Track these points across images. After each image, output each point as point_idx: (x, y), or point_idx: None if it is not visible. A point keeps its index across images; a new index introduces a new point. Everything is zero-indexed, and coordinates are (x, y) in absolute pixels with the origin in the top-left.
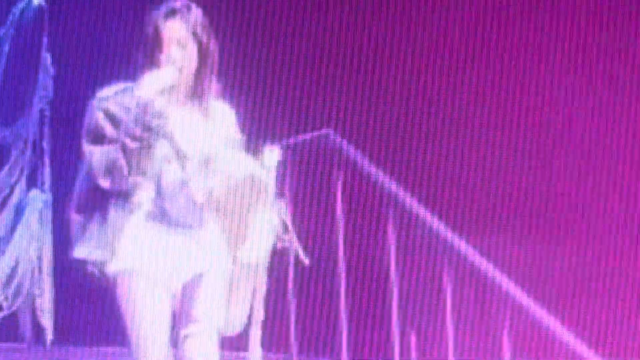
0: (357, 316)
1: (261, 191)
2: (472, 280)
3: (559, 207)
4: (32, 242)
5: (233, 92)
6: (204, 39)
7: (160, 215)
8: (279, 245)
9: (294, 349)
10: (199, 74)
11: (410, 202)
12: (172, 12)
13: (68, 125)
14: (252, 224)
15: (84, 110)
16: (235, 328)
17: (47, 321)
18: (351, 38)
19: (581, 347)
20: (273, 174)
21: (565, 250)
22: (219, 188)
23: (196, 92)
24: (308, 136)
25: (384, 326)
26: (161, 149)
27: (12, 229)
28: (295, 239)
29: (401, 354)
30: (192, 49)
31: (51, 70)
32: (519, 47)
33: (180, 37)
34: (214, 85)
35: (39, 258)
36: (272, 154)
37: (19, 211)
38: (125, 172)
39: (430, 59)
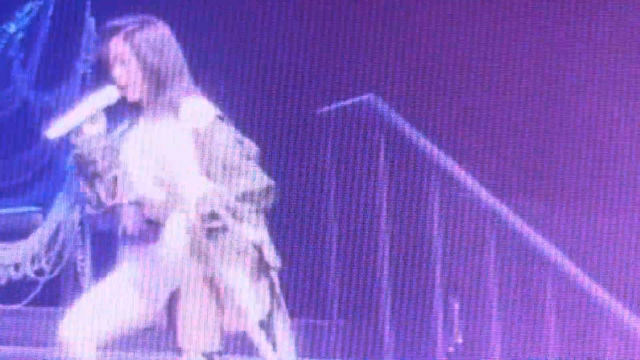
0: (399, 282)
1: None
2: (516, 245)
3: (609, 174)
4: (74, 207)
5: (273, 58)
6: (149, 57)
7: (128, 235)
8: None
9: (334, 313)
10: (155, 89)
11: (453, 167)
12: (114, 29)
13: None
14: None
15: None
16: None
17: (88, 285)
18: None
19: (625, 314)
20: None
21: (616, 222)
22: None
23: (164, 106)
24: (349, 102)
25: (427, 293)
26: (121, 173)
27: (54, 193)
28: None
29: (444, 322)
30: (136, 66)
31: (95, 34)
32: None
33: (120, 55)
34: (179, 96)
35: (81, 223)
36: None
37: (60, 176)
38: (93, 201)
39: (476, 20)
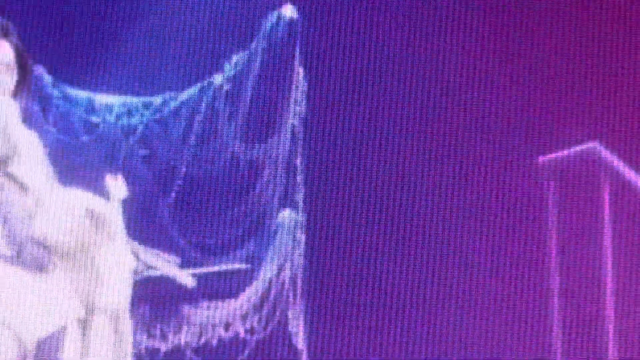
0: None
1: (104, 226)
2: None
3: None
4: (285, 264)
5: (496, 102)
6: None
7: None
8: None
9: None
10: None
11: None
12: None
13: (322, 142)
14: (103, 265)
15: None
16: None
17: (301, 344)
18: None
19: None
20: (117, 206)
21: None
22: (55, 227)
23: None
24: (572, 151)
25: None
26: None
27: (265, 251)
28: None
29: None
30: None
31: (304, 85)
32: None
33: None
34: None
35: (293, 280)
36: (117, 185)
37: (271, 233)
38: None
39: None
